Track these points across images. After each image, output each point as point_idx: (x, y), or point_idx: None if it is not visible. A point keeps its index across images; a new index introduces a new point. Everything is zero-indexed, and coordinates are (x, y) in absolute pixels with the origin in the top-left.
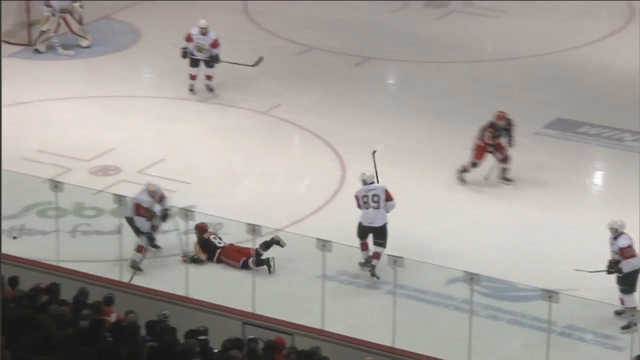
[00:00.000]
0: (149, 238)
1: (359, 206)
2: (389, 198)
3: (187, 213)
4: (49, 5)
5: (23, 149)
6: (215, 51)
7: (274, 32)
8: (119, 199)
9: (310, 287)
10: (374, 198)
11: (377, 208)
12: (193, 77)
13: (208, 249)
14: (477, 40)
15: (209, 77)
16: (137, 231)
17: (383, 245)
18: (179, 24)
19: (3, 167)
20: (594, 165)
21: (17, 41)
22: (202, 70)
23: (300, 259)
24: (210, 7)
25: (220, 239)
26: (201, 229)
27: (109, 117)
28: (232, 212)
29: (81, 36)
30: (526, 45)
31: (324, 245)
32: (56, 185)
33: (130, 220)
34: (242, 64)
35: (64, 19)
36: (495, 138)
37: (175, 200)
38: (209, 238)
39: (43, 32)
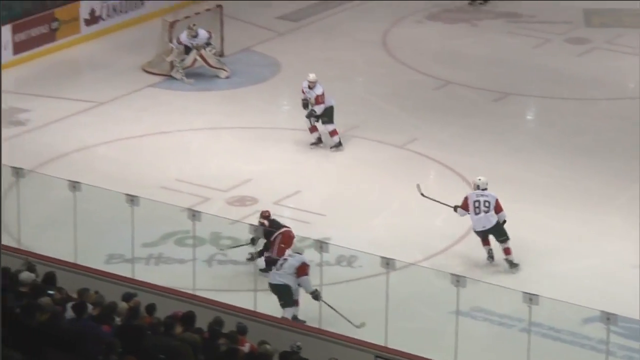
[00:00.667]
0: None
1: (466, 208)
2: (498, 209)
3: (321, 245)
4: (179, 42)
5: (162, 178)
6: (321, 106)
7: (411, 66)
8: (255, 229)
9: (443, 322)
10: (485, 204)
11: (487, 212)
12: (312, 130)
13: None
14: (618, 77)
15: (331, 134)
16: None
17: (505, 239)
18: (319, 57)
19: (143, 194)
20: None
21: (159, 71)
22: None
23: (435, 293)
24: (349, 40)
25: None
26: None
27: (246, 147)
28: (367, 245)
29: (219, 68)
30: None
31: (458, 280)
32: (194, 215)
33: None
34: None
35: (200, 55)
36: None
37: (310, 232)
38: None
39: (171, 62)
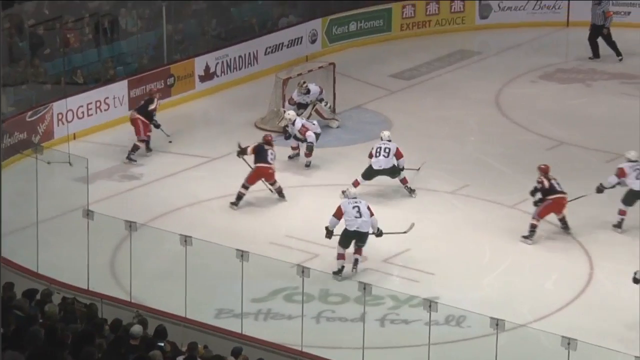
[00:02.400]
0: None
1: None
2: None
3: (430, 304)
4: (292, 102)
5: (272, 234)
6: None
7: (524, 125)
8: (364, 286)
9: None
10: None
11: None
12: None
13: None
14: None
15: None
16: None
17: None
18: (430, 115)
19: (253, 250)
20: None
21: (271, 128)
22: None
23: (545, 356)
24: (462, 99)
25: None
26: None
27: None
28: (476, 305)
29: (331, 119)
30: None
31: (568, 343)
32: (303, 271)
33: None
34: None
35: (315, 109)
36: None
37: (419, 291)
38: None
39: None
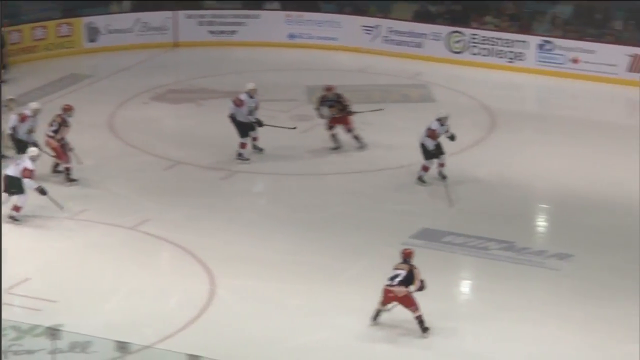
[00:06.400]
0: None
1: None
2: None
3: (53, 332)
4: None
5: None
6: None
7: (140, 147)
8: None
9: None
10: None
11: None
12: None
13: None
14: (344, 152)
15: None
16: None
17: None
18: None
19: None
20: (461, 274)
21: None
22: None
23: None
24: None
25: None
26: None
27: None
28: (100, 330)
29: None
30: (391, 157)
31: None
32: None
33: None
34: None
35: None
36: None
37: (42, 320)
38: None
39: None
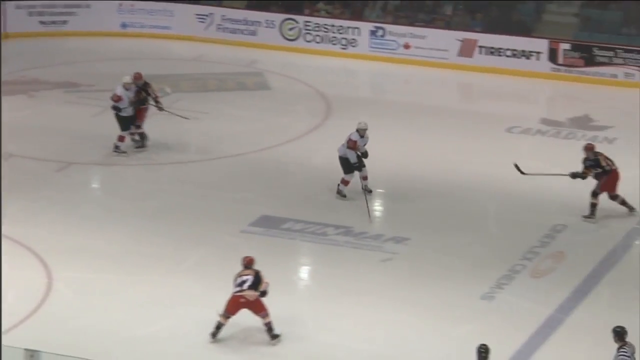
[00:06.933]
0: None
1: None
2: None
3: None
4: None
5: None
6: None
7: None
8: None
9: None
10: None
11: None
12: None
13: None
14: (180, 142)
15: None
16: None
17: None
18: None
19: None
20: (300, 260)
21: None
22: None
23: None
24: None
25: None
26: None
27: None
28: None
29: None
30: (228, 145)
31: (32, 355)
32: None
33: None
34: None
35: None
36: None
37: None
38: None
39: None
